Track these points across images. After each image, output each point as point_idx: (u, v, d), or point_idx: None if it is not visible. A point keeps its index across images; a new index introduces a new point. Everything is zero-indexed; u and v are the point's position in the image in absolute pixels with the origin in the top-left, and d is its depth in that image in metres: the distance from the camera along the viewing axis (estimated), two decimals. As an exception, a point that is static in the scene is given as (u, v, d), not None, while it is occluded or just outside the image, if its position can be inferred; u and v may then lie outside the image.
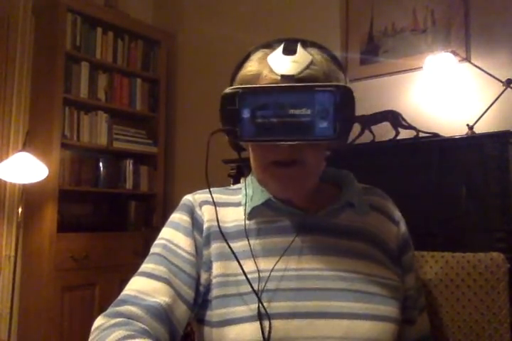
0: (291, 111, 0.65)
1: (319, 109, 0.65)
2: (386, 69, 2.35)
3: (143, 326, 0.66)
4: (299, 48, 0.72)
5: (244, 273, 0.72)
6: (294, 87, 0.66)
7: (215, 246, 0.77)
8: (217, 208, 0.81)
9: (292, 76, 0.69)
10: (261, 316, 0.69)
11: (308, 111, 0.65)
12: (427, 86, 2.24)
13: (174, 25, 3.32)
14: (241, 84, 0.74)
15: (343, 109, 0.66)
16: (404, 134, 2.10)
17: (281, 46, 0.73)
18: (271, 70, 0.71)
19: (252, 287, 0.70)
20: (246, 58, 0.79)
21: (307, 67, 0.70)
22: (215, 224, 0.78)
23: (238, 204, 0.82)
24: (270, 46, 0.76)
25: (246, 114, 0.66)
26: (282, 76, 0.69)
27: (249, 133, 0.67)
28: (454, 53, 2.01)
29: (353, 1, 2.49)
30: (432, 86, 2.22)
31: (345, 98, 0.66)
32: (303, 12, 2.65)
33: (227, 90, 0.67)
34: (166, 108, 3.18)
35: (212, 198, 0.78)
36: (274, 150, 0.72)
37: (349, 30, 2.49)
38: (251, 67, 0.76)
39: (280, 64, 0.71)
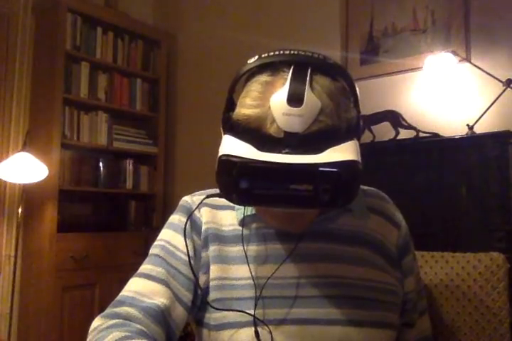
0: (292, 186, 0.61)
1: (322, 185, 0.61)
2: (386, 70, 2.35)
3: (140, 327, 0.66)
4: (307, 93, 0.62)
5: (251, 278, 0.72)
6: (296, 164, 0.59)
7: (213, 249, 0.76)
8: (216, 211, 0.80)
9: (297, 133, 0.61)
10: (256, 322, 0.69)
11: (310, 187, 0.61)
12: (427, 86, 2.24)
13: (174, 25, 3.32)
14: (238, 125, 0.66)
15: (347, 183, 0.61)
16: (404, 134, 2.10)
17: (287, 83, 0.63)
18: (273, 121, 0.62)
19: (255, 293, 0.71)
20: (245, 75, 0.69)
21: (315, 120, 0.62)
22: (213, 226, 0.78)
23: (235, 208, 0.81)
24: (274, 67, 0.66)
25: (244, 184, 0.61)
26: (285, 133, 0.61)
27: (247, 201, 0.65)
28: (454, 53, 2.01)
29: (353, 1, 2.49)
30: (432, 86, 2.22)
31: (351, 172, 0.61)
32: (303, 12, 2.65)
33: (224, 157, 0.61)
34: (166, 108, 3.18)
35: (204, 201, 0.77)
36: None
37: (349, 30, 2.49)
38: (250, 107, 0.65)
39: (284, 117, 0.61)
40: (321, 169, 0.59)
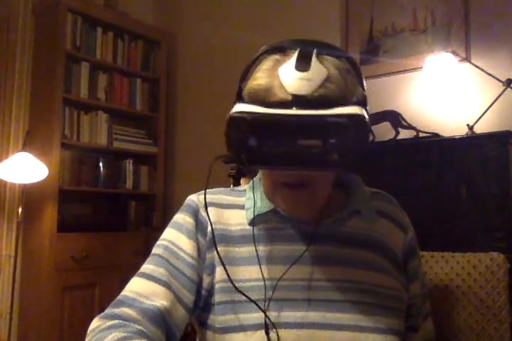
0: (301, 142, 0.62)
1: (330, 140, 0.62)
2: (386, 69, 2.35)
3: (139, 327, 0.66)
4: (314, 62, 0.65)
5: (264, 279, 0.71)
6: (304, 115, 0.61)
7: (219, 250, 0.74)
8: (222, 210, 0.79)
9: (304, 96, 0.63)
10: (267, 325, 0.68)
11: (319, 143, 0.62)
12: (427, 86, 2.24)
13: (174, 25, 3.32)
14: (249, 96, 0.69)
15: (355, 140, 0.62)
16: (404, 134, 2.10)
17: (295, 56, 0.67)
18: (281, 86, 0.65)
19: (265, 295, 0.70)
20: (256, 61, 0.73)
21: (321, 85, 0.64)
22: (220, 227, 0.77)
23: (243, 207, 0.80)
24: (283, 50, 0.70)
25: (252, 141, 0.63)
26: (293, 95, 0.63)
27: (256, 160, 0.64)
28: (454, 53, 2.01)
29: (353, 1, 2.49)
30: (432, 86, 2.22)
31: (359, 128, 0.62)
32: (303, 12, 2.65)
33: (234, 114, 0.63)
34: (166, 108, 3.18)
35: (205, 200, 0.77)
36: (282, 173, 0.70)
37: (349, 30, 2.49)
38: (261, 78, 0.69)
39: (292, 81, 0.64)
40: (329, 120, 0.61)
